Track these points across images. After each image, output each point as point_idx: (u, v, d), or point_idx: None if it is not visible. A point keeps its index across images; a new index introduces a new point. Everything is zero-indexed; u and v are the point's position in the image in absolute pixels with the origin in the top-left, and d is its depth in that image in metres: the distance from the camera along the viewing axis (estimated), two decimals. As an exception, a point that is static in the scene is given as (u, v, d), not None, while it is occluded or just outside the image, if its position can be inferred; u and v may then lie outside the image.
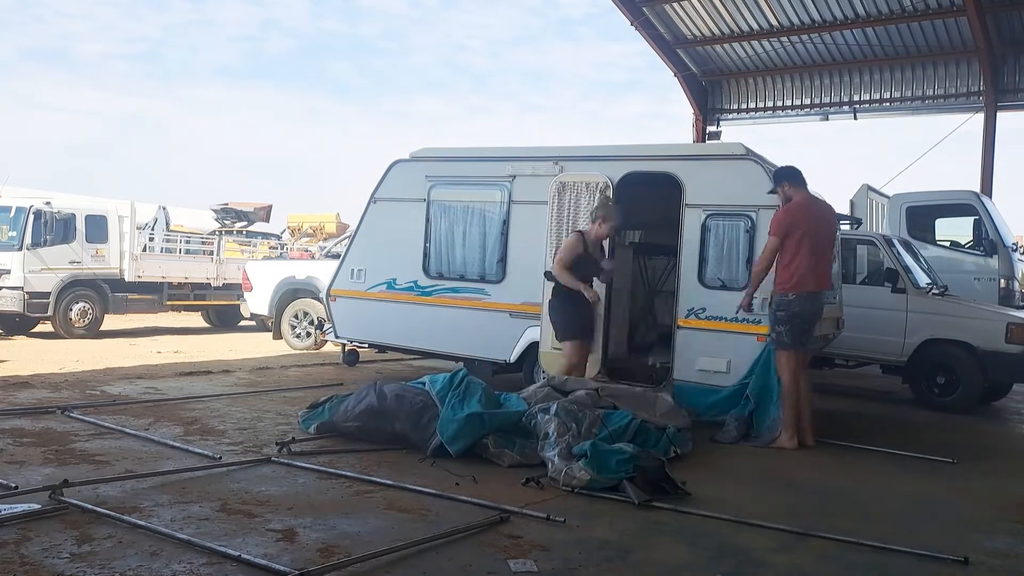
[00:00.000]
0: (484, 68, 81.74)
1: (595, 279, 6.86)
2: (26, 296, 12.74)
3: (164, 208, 17.08)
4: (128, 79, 73.83)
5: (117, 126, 75.26)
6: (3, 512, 3.79)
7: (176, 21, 75.40)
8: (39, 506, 3.92)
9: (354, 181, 75.11)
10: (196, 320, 17.11)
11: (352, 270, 8.63)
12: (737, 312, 6.47)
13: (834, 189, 25.62)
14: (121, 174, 65.42)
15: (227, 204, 18.63)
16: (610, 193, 7.16)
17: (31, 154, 58.15)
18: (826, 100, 17.82)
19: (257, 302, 12.82)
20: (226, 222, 18.28)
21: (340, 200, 78.34)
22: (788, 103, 18.25)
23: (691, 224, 6.90)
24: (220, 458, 5.04)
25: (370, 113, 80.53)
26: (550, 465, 4.93)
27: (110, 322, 14.58)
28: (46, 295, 12.91)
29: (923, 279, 9.20)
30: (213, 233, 17.16)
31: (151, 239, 15.61)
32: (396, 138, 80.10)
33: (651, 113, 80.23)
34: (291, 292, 12.24)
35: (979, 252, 11.19)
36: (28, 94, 66.50)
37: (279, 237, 19.67)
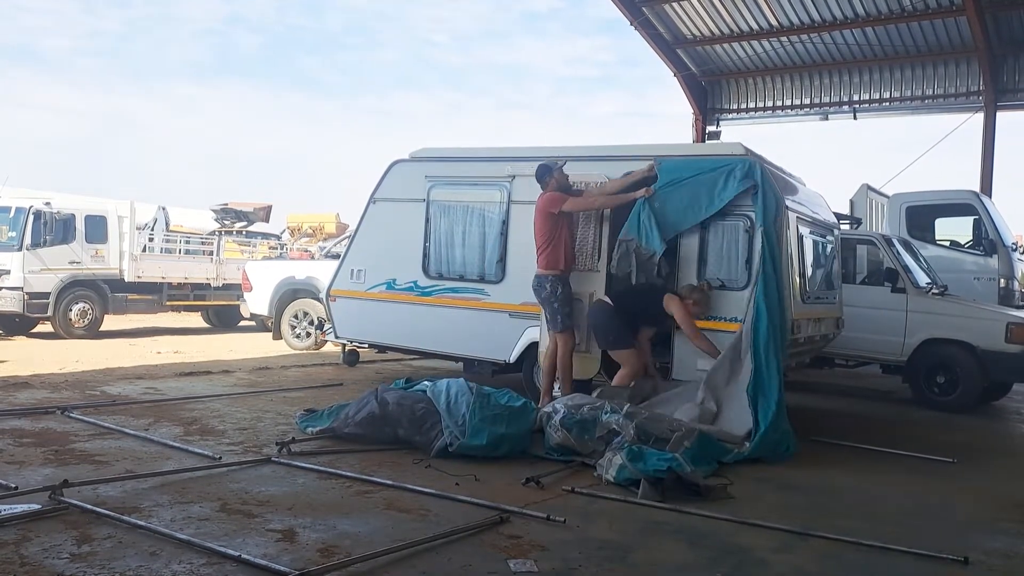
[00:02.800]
0: (455, 64, 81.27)
1: None
2: (26, 296, 12.75)
3: (164, 208, 17.08)
4: (99, 75, 72.77)
5: (96, 124, 74.36)
6: (3, 512, 3.79)
7: (137, 15, 74.43)
8: (39, 506, 3.92)
9: (338, 180, 74.72)
10: (196, 320, 17.12)
11: (352, 270, 8.62)
12: None
13: (834, 188, 25.62)
14: (104, 173, 65.03)
15: (227, 204, 18.62)
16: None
17: (11, 153, 57.49)
18: (826, 100, 17.81)
19: (257, 302, 12.82)
20: (226, 222, 18.26)
21: (339, 200, 78.10)
22: (788, 103, 18.23)
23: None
24: (220, 458, 5.05)
25: (349, 110, 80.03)
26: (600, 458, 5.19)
27: (110, 322, 14.58)
28: (46, 295, 12.92)
29: (923, 279, 9.20)
30: (213, 233, 17.15)
31: (151, 239, 15.61)
32: (376, 137, 79.67)
33: (629, 111, 79.93)
34: (291, 292, 12.24)
35: (979, 252, 11.18)
36: None
37: (279, 237, 19.66)
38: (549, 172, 6.95)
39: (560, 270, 6.87)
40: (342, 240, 15.83)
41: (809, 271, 7.36)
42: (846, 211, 11.87)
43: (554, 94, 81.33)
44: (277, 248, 18.44)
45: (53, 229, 13.08)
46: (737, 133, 18.53)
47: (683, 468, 4.80)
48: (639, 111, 79.15)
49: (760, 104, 18.59)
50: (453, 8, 74.52)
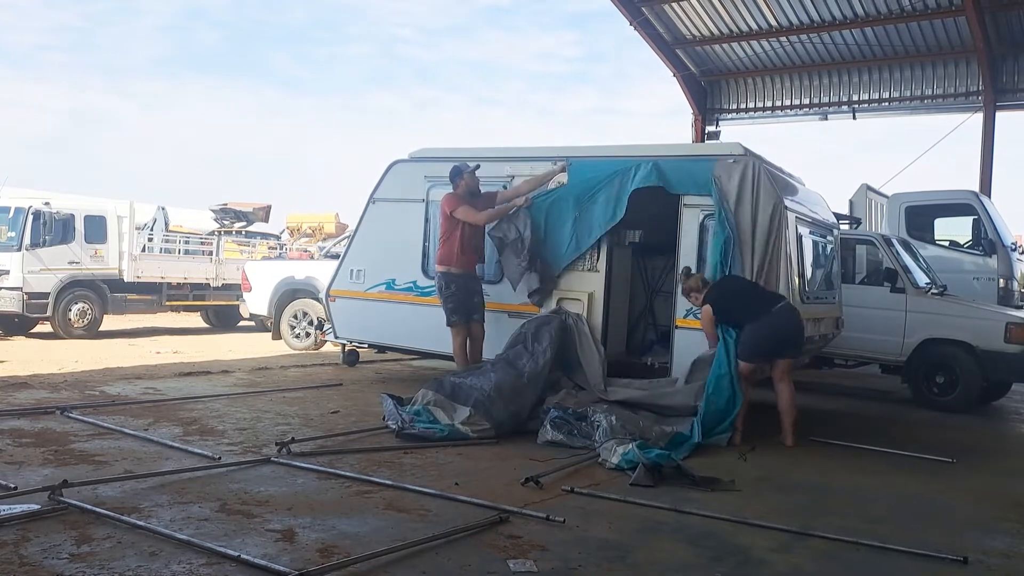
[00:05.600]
0: (425, 59, 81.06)
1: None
2: (25, 297, 12.73)
3: (163, 208, 17.09)
4: (67, 72, 72.22)
5: (69, 121, 73.96)
6: (2, 512, 3.79)
7: (97, 10, 73.84)
8: (38, 506, 3.92)
9: (332, 179, 74.36)
10: (195, 320, 17.11)
11: (351, 270, 8.63)
12: None
13: (833, 188, 25.63)
14: (85, 171, 64.63)
15: (226, 204, 18.62)
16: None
17: (-6, 152, 56.97)
18: (825, 100, 17.82)
19: (256, 302, 12.82)
20: (225, 222, 18.27)
21: (339, 200, 78.01)
22: (787, 103, 18.24)
23: (689, 224, 6.90)
24: (219, 458, 5.04)
25: (323, 109, 79.65)
26: (600, 447, 5.51)
27: (109, 322, 14.57)
28: (45, 295, 12.91)
29: (922, 279, 9.21)
30: (212, 233, 17.15)
31: (150, 239, 15.62)
32: (358, 135, 79.37)
33: (602, 107, 79.97)
34: (290, 292, 12.23)
35: (978, 252, 11.18)
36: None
37: (278, 237, 19.66)
38: (460, 175, 7.38)
39: (450, 266, 7.29)
40: (341, 240, 15.82)
41: (808, 271, 7.37)
42: (845, 211, 11.88)
43: (526, 90, 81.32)
44: (276, 248, 18.44)
45: (52, 229, 13.07)
46: (736, 133, 18.56)
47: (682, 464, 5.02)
48: (612, 108, 79.22)
49: (759, 104, 18.60)
50: (416, 0, 74.11)
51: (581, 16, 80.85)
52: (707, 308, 6.37)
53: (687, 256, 6.86)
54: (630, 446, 5.28)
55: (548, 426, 5.93)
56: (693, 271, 6.66)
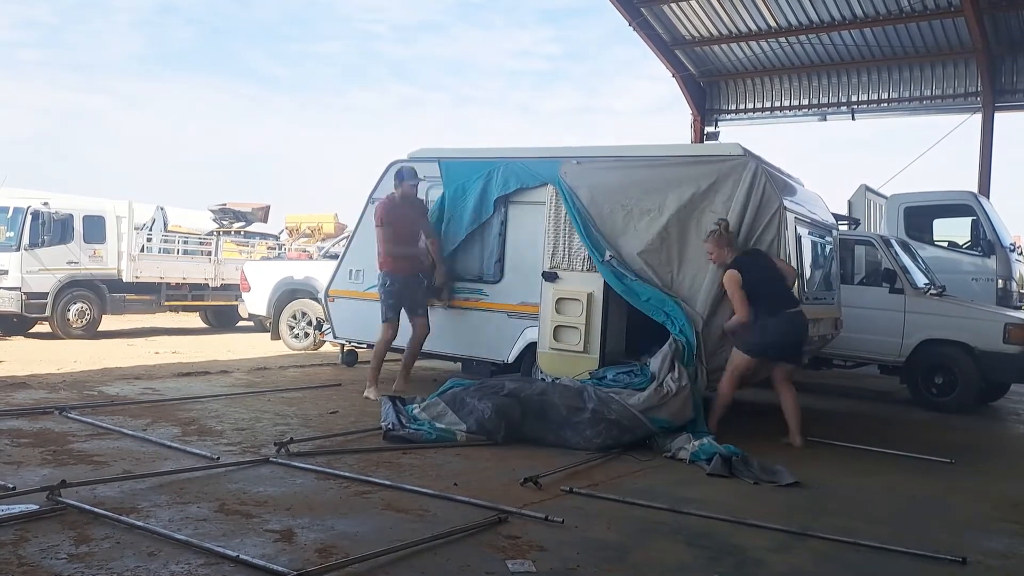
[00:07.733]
0: (402, 56, 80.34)
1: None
2: (24, 297, 12.74)
3: (162, 208, 17.07)
4: (43, 69, 71.42)
5: (51, 120, 73.04)
6: (1, 513, 3.79)
7: (68, 5, 72.69)
8: (37, 507, 3.91)
9: (319, 178, 73.71)
10: (194, 321, 17.11)
11: (350, 271, 8.62)
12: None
13: (832, 189, 25.64)
14: (71, 171, 64.17)
15: (225, 204, 18.60)
16: None
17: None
18: (824, 100, 17.83)
19: (255, 302, 12.82)
20: (224, 222, 18.25)
21: (338, 200, 77.61)
22: (786, 103, 18.25)
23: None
24: (218, 459, 5.04)
25: (312, 106, 78.87)
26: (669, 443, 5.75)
27: (108, 323, 14.57)
28: (44, 296, 12.91)
29: (921, 279, 9.21)
30: (211, 233, 17.14)
31: (149, 240, 15.60)
32: (346, 133, 78.58)
33: (586, 106, 79.53)
34: (289, 292, 12.23)
35: (977, 253, 11.19)
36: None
37: (277, 237, 19.64)
38: (401, 180, 7.65)
39: (390, 268, 7.62)
40: (340, 240, 15.82)
41: (807, 271, 7.37)
42: (844, 211, 11.88)
43: (507, 88, 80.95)
44: (275, 248, 18.44)
45: (51, 229, 13.07)
46: (736, 134, 18.57)
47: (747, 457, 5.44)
48: (599, 106, 78.85)
49: (758, 105, 18.60)
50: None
51: (553, 12, 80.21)
52: (735, 272, 6.17)
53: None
54: (705, 440, 5.62)
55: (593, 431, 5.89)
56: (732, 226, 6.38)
